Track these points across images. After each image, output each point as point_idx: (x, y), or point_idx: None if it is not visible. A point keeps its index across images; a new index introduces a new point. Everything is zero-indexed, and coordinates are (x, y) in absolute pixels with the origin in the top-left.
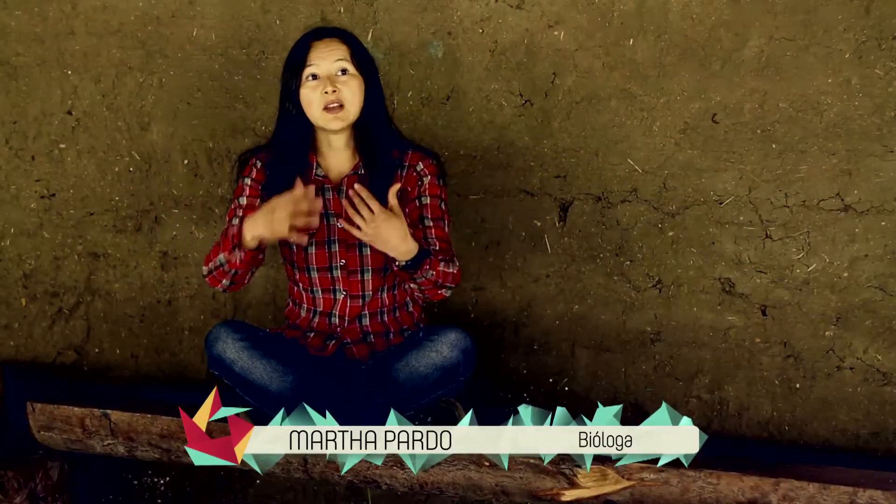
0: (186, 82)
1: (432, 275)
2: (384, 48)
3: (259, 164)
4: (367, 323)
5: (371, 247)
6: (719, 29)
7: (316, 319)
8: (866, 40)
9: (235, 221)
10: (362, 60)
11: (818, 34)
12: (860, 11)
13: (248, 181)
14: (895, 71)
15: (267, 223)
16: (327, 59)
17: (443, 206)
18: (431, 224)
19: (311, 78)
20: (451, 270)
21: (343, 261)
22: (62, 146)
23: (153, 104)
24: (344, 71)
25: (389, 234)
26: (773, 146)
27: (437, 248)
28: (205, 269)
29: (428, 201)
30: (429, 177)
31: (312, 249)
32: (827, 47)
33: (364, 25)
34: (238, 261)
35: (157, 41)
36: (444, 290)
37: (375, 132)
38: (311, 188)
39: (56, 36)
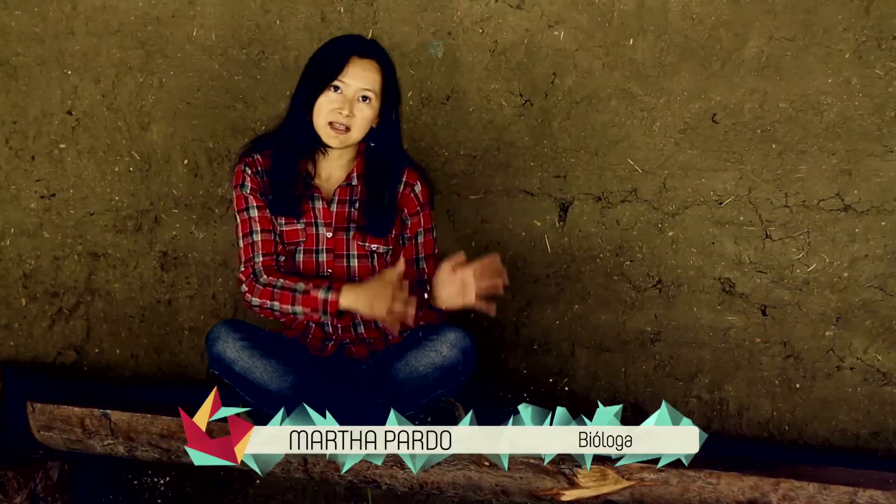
0: (186, 82)
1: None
2: (384, 48)
3: (249, 171)
4: (363, 330)
5: (358, 258)
6: (719, 29)
7: (312, 325)
8: (866, 40)
9: (256, 238)
10: (389, 93)
11: (818, 34)
12: (860, 11)
13: (246, 191)
14: (895, 71)
15: (368, 304)
16: (358, 81)
17: (435, 235)
18: (425, 265)
19: (334, 89)
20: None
21: (329, 270)
22: (62, 146)
23: (153, 104)
24: (366, 98)
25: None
26: (773, 146)
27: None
28: (255, 301)
29: (422, 239)
30: (425, 208)
31: (300, 257)
32: (827, 47)
33: (364, 25)
34: (322, 320)
35: (157, 41)
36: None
37: (387, 161)
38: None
39: (56, 36)
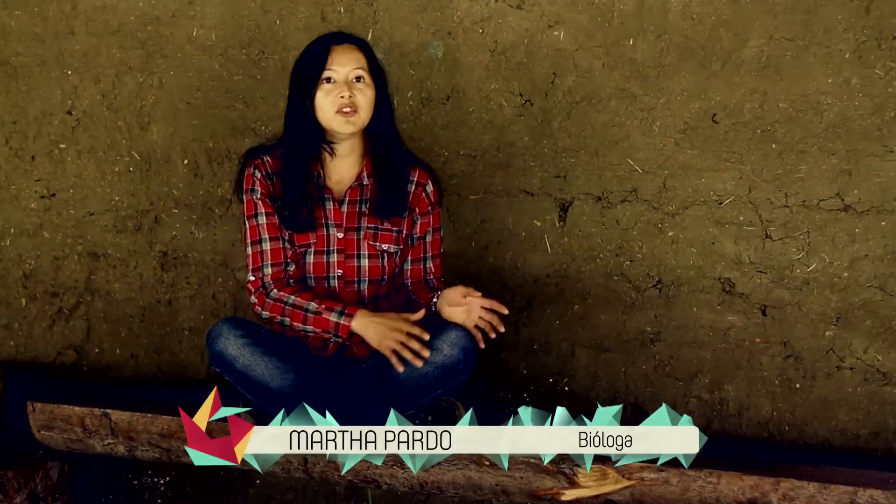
0: (186, 82)
1: None
2: (384, 48)
3: (259, 175)
4: None
5: (369, 258)
6: (719, 29)
7: None
8: (866, 40)
9: (266, 246)
10: (376, 71)
11: (818, 34)
12: (860, 11)
13: (256, 196)
14: (895, 71)
15: (378, 337)
16: (346, 66)
17: (442, 235)
18: (431, 263)
19: (326, 81)
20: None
21: (340, 271)
22: (62, 146)
23: (153, 104)
24: (359, 79)
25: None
26: (773, 146)
27: (434, 284)
28: (265, 314)
29: (430, 238)
30: (436, 207)
31: (311, 259)
32: (827, 47)
33: (364, 25)
34: (331, 341)
35: (157, 41)
36: None
37: (388, 143)
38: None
39: (56, 36)
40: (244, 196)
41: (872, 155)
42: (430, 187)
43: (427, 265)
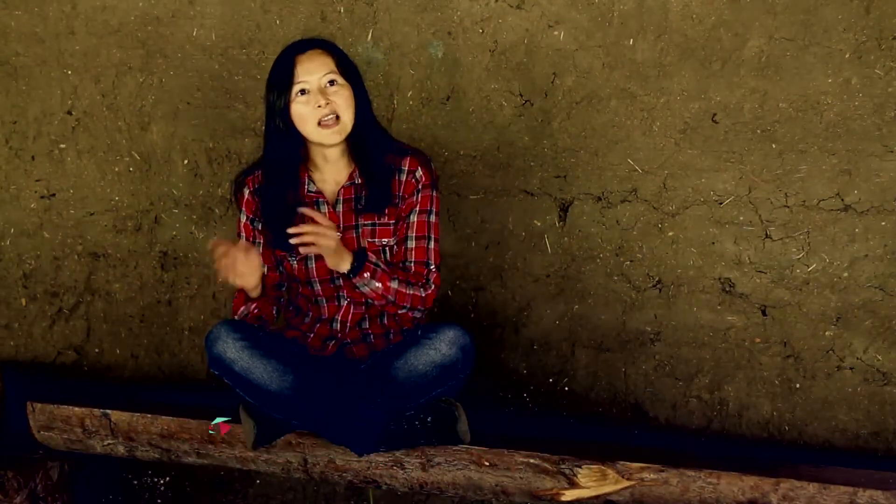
0: (186, 82)
1: (378, 287)
2: (384, 48)
3: (247, 192)
4: (368, 326)
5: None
6: (719, 29)
7: (317, 325)
8: (866, 40)
9: None
10: (348, 69)
11: (818, 34)
12: (860, 11)
13: (243, 219)
14: (895, 71)
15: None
16: (315, 73)
17: (432, 219)
18: (413, 245)
19: (300, 94)
20: (410, 292)
21: None
22: (62, 146)
23: (153, 104)
24: (332, 82)
25: (326, 244)
26: (773, 146)
27: (412, 270)
28: (237, 316)
29: (415, 219)
30: (425, 190)
31: (313, 263)
32: (827, 47)
33: (364, 25)
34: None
35: (157, 41)
36: (408, 311)
37: (367, 138)
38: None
39: (56, 36)
40: (236, 203)
41: (872, 155)
42: (419, 172)
43: (407, 245)
